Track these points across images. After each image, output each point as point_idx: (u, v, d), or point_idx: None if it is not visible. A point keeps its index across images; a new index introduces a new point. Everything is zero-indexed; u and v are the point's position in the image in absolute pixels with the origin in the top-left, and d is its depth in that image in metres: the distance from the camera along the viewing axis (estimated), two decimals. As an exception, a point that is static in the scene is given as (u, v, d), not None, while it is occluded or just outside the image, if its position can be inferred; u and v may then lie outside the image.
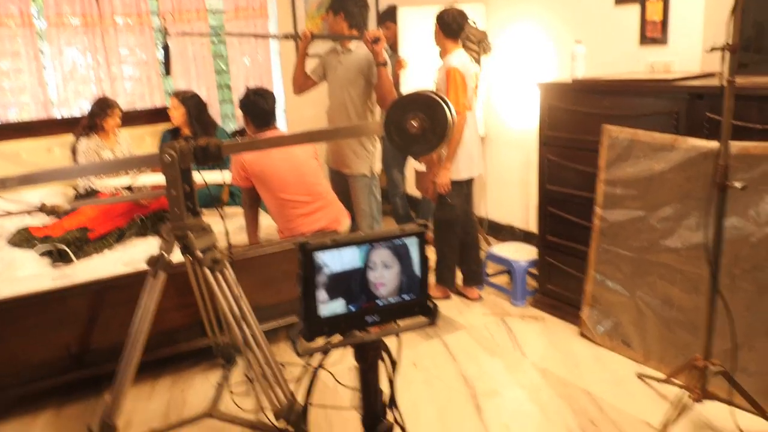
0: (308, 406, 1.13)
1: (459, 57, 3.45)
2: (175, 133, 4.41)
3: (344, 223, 3.45)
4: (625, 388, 2.82)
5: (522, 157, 4.34)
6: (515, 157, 4.38)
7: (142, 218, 3.75)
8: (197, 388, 3.00)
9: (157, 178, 3.76)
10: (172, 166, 2.36)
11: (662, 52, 3.32)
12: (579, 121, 3.20)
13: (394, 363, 1.13)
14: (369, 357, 1.08)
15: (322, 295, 1.02)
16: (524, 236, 4.47)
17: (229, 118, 5.67)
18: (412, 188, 5.17)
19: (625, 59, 3.47)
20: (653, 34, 3.32)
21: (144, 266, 2.88)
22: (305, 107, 5.05)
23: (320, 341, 1.06)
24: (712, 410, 2.51)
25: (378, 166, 3.73)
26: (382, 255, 1.06)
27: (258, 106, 3.23)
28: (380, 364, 1.16)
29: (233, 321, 2.49)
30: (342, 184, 3.75)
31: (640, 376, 2.88)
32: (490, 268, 4.00)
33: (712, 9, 3.09)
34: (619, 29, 3.50)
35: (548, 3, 3.96)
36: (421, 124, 2.19)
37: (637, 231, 2.95)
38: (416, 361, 3.14)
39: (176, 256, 2.50)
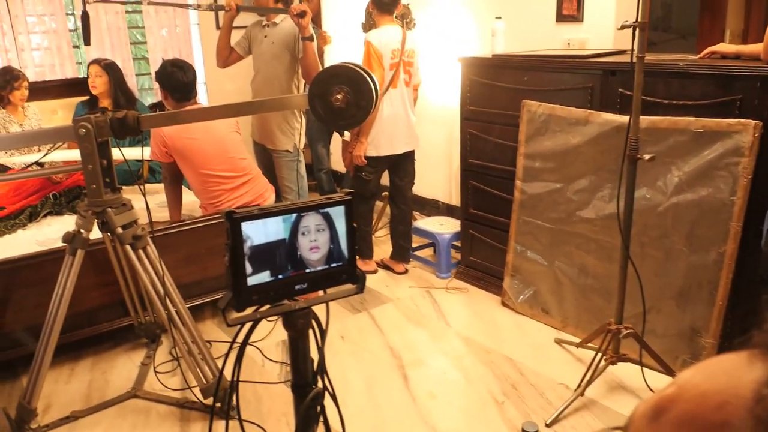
0: (237, 383, 1.13)
1: (379, 32, 3.45)
2: (91, 104, 4.22)
3: (269, 199, 3.42)
4: (544, 353, 2.95)
5: (445, 132, 4.40)
6: (438, 132, 4.44)
7: (56, 195, 3.60)
8: (120, 369, 2.92)
9: (71, 154, 3.61)
10: (87, 139, 2.28)
11: (578, 29, 3.43)
12: (499, 96, 3.28)
13: (322, 331, 1.14)
14: (298, 325, 1.09)
15: (249, 265, 1.02)
16: (448, 210, 4.56)
17: (146, 91, 5.48)
18: (336, 164, 5.17)
19: (543, 36, 3.56)
20: (570, 11, 3.43)
21: (59, 245, 2.79)
22: (227, 81, 4.94)
23: (249, 312, 1.06)
24: (625, 371, 2.66)
25: (302, 142, 3.71)
26: (314, 219, 1.06)
27: (176, 79, 3.14)
28: (310, 333, 1.17)
29: (157, 299, 2.45)
30: (267, 159, 3.71)
31: (558, 342, 3.01)
32: (415, 241, 4.07)
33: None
34: (537, 6, 3.59)
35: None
36: (346, 98, 2.20)
37: (555, 203, 3.07)
38: (344, 334, 3.18)
39: (94, 233, 2.42)
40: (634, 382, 2.64)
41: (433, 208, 4.72)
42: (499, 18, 3.35)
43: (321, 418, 1.19)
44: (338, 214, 1.09)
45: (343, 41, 4.83)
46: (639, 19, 2.27)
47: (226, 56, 3.68)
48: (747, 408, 0.32)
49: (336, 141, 5.02)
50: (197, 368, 2.49)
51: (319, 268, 1.09)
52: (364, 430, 2.46)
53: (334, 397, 1.20)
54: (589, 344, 2.81)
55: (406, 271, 3.90)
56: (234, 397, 1.27)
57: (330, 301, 1.12)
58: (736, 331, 2.54)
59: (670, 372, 2.60)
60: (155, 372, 2.84)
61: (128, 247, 2.42)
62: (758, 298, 2.19)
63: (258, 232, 1.02)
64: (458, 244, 3.84)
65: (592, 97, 2.88)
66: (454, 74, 4.08)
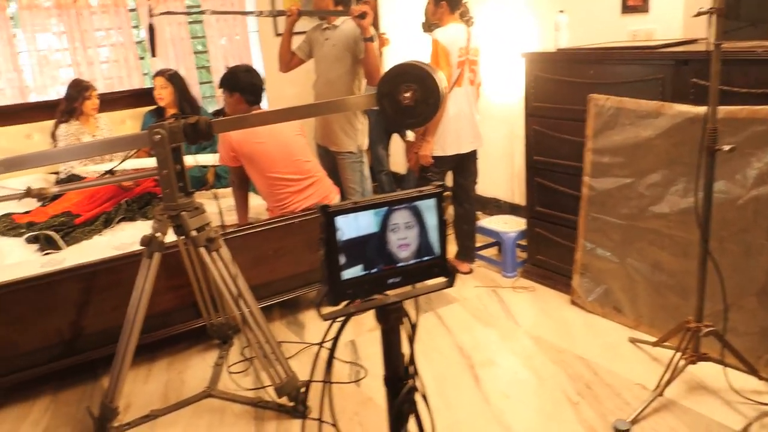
0: (325, 384, 1.14)
1: (446, 30, 3.44)
2: (158, 114, 4.35)
3: (335, 200, 3.45)
4: (618, 353, 2.88)
5: (505, 129, 4.36)
6: (498, 130, 4.40)
7: (128, 202, 3.71)
8: (194, 369, 2.99)
9: (141, 162, 3.72)
10: (162, 145, 2.34)
11: (644, 20, 3.35)
12: (564, 91, 3.22)
13: (413, 326, 1.14)
14: (390, 319, 1.09)
15: (342, 259, 1.02)
16: (510, 209, 4.50)
17: (207, 99, 5.61)
18: (395, 165, 5.17)
19: (607, 28, 3.49)
20: (635, 2, 3.34)
21: (133, 249, 2.87)
22: (287, 86, 5.01)
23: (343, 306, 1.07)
24: (705, 371, 2.57)
25: (365, 143, 3.73)
26: (403, 216, 1.06)
27: (249, 82, 3.20)
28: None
29: (231, 300, 2.49)
30: (330, 161, 3.74)
31: (633, 341, 2.94)
32: (479, 240, 4.04)
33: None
34: (601, -1, 3.52)
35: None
36: (414, 96, 2.20)
37: (626, 198, 2.99)
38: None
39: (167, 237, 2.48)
40: (716, 383, 2.54)
41: (494, 207, 4.67)
42: (562, 11, 3.30)
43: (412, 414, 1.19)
44: (428, 207, 1.08)
45: (402, 43, 4.84)
46: (715, 5, 2.21)
47: (288, 60, 3.74)
48: None
49: (395, 143, 5.03)
50: (271, 368, 2.53)
51: (411, 262, 1.09)
52: (438, 431, 2.44)
53: (423, 393, 1.20)
54: (666, 343, 2.73)
55: (471, 271, 3.87)
56: (325, 396, 1.28)
57: (422, 295, 1.12)
58: (826, 328, 2.43)
59: (753, 372, 2.50)
60: (228, 372, 2.90)
61: (202, 250, 2.47)
62: None
63: (350, 226, 1.02)
64: (523, 242, 3.79)
65: (664, 88, 2.80)
66: (513, 71, 4.04)
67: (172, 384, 2.88)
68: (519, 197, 4.35)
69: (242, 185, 3.41)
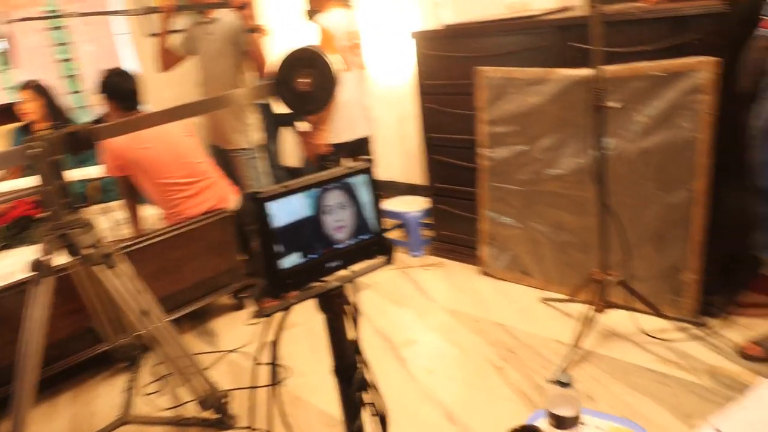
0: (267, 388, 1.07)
1: (330, 16, 3.38)
2: (27, 131, 4.00)
3: (234, 201, 3.32)
4: (533, 314, 2.97)
5: (395, 111, 4.37)
6: (390, 112, 4.40)
7: (4, 228, 3.40)
8: (104, 398, 2.79)
9: (13, 184, 3.41)
10: (40, 159, 2.14)
11: (519, -8, 3.44)
12: (454, 67, 3.26)
13: (356, 310, 1.09)
14: (334, 305, 1.04)
15: (279, 247, 0.96)
16: (408, 189, 4.53)
17: (80, 110, 5.24)
18: (288, 159, 5.07)
19: (485, 2, 3.55)
20: (509, -25, 3.43)
21: (13, 279, 2.63)
22: (167, 87, 4.76)
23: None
24: (615, 318, 2.70)
25: (259, 138, 3.61)
26: (336, 196, 1.01)
27: (121, 87, 3.01)
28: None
29: (137, 317, 2.33)
30: (225, 160, 3.59)
31: (545, 301, 3.04)
32: (384, 224, 4.03)
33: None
34: (476, -27, 3.58)
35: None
36: (311, 81, 2.14)
37: (522, 164, 3.08)
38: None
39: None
40: (626, 328, 2.68)
41: (393, 189, 4.68)
42: (442, -11, 3.33)
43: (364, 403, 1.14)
44: (360, 183, 1.04)
45: (283, 33, 4.73)
46: (590, -30, 2.29)
47: (167, 59, 3.55)
48: None
49: (286, 136, 4.92)
50: (189, 382, 2.39)
51: (349, 243, 1.04)
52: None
53: (372, 378, 1.16)
54: (576, 298, 2.84)
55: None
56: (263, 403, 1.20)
57: (363, 275, 1.07)
58: (716, 265, 2.61)
59: (658, 312, 2.66)
60: (142, 394, 2.73)
61: (98, 268, 2.29)
62: (747, 207, 2.19)
63: (283, 211, 0.96)
64: (427, 221, 3.82)
65: (547, 55, 2.89)
66: (399, 52, 4.05)
67: (80, 417, 2.67)
68: (416, 177, 4.39)
69: (132, 195, 3.21)
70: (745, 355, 2.42)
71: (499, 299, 3.17)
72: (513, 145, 3.09)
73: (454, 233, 3.63)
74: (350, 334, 1.13)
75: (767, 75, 1.71)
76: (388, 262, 1.10)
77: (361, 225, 1.05)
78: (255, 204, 0.92)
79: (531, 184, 3.07)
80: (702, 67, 2.40)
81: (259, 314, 1.01)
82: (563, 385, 1.38)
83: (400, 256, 3.85)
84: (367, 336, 2.99)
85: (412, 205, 3.90)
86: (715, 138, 2.44)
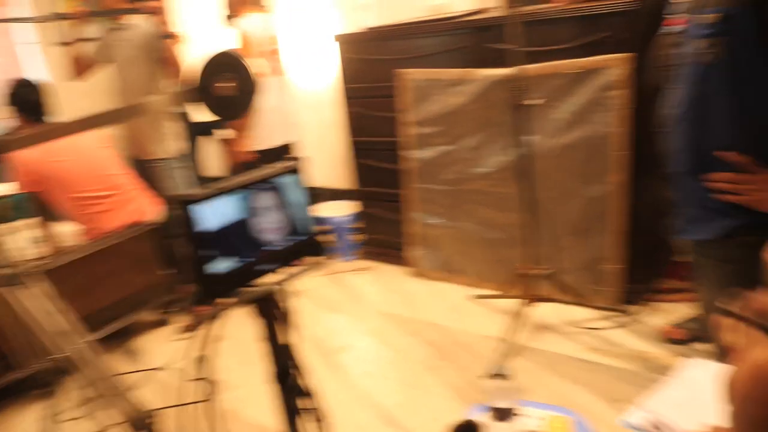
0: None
1: (250, 20, 3.32)
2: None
3: (156, 213, 3.20)
4: (466, 312, 3.00)
5: (321, 116, 4.33)
6: (315, 117, 4.36)
7: None
8: (20, 429, 2.63)
9: None
10: (-57, 175, 2.00)
11: (439, -5, 3.48)
12: (378, 70, 3.26)
13: (288, 314, 1.06)
14: (269, 308, 1.01)
15: (208, 252, 0.92)
16: (336, 195, 4.49)
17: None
18: (209, 169, 4.95)
19: (406, 6, 3.57)
20: (427, -22, 3.47)
21: None
22: (80, 98, 4.55)
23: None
24: (545, 311, 2.76)
25: (179, 147, 3.50)
26: (266, 197, 0.98)
27: (28, 98, 2.86)
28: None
29: (54, 340, 2.20)
30: (145, 171, 3.46)
31: (476, 298, 3.07)
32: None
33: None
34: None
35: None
36: (233, 85, 2.09)
37: (449, 164, 3.11)
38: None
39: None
40: (556, 319, 2.75)
41: (320, 195, 4.63)
42: (363, -9, 3.33)
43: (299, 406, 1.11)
44: (290, 184, 1.01)
45: (199, 39, 4.61)
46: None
47: (79, 67, 3.40)
48: None
49: (205, 146, 4.80)
50: (115, 404, 2.28)
51: (282, 245, 1.01)
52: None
53: (308, 383, 1.13)
54: (506, 293, 2.89)
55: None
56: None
57: (297, 277, 1.04)
58: (637, 254, 2.71)
59: (584, 302, 2.74)
60: (62, 421, 2.58)
61: (7, 289, 2.15)
62: (662, 196, 2.28)
63: (211, 215, 0.92)
64: (357, 225, 3.81)
65: (469, 55, 2.94)
66: (320, 56, 4.02)
67: (-2, 447, 2.51)
68: (344, 182, 4.36)
69: (46, 211, 3.04)
70: (667, 338, 2.52)
71: (432, 299, 3.18)
72: (438, 145, 3.12)
73: (384, 236, 3.63)
74: (283, 338, 1.09)
75: (672, 69, 1.79)
76: (320, 262, 1.08)
77: (292, 226, 1.02)
78: (181, 208, 0.88)
79: (458, 184, 3.11)
80: (615, 64, 2.49)
81: (192, 326, 0.97)
82: (500, 377, 1.39)
83: (331, 262, 3.82)
84: (301, 343, 2.94)
85: (341, 210, 3.88)
86: (630, 131, 2.54)
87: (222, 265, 0.93)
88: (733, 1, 1.46)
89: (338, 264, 3.76)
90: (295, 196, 1.02)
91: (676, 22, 2.16)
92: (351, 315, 3.17)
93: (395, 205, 3.44)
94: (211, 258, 0.92)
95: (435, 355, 2.70)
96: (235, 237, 0.95)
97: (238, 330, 2.91)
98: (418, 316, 3.03)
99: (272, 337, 1.05)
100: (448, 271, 3.29)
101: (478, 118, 2.94)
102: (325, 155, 4.48)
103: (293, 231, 1.02)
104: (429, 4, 3.37)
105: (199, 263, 0.90)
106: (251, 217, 0.97)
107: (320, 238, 1.06)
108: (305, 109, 4.30)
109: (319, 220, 3.90)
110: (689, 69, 1.62)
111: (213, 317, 0.97)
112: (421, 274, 3.39)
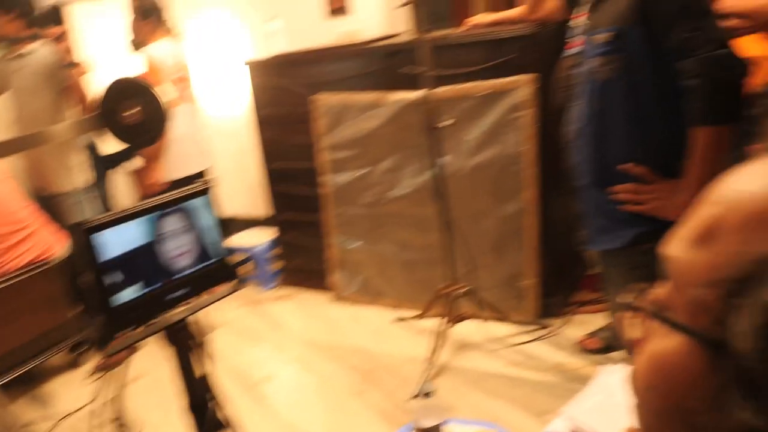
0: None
1: (157, 47, 3.24)
2: None
3: (62, 248, 3.04)
4: (389, 335, 2.99)
5: (234, 143, 4.27)
6: (228, 145, 4.29)
7: None
8: None
9: None
10: None
11: (349, 21, 3.52)
12: (291, 95, 3.25)
13: (203, 343, 1.02)
14: (179, 338, 0.97)
15: (113, 280, 0.88)
16: (253, 223, 4.42)
17: None
18: (118, 202, 4.77)
19: (317, 32, 3.60)
20: (338, 4, 3.51)
21: None
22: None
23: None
24: (466, 329, 2.79)
25: (86, 180, 3.36)
26: (174, 221, 0.94)
27: None
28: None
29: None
30: (50, 205, 3.29)
31: (399, 320, 3.08)
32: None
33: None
34: (306, 4, 3.61)
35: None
36: (140, 112, 2.02)
37: (366, 188, 3.12)
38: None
39: None
40: (477, 337, 2.78)
41: (237, 225, 4.54)
42: (273, 18, 3.32)
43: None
44: (200, 206, 0.98)
45: (106, 67, 4.46)
46: (413, -3, 2.40)
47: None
48: None
49: (116, 179, 4.63)
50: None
51: (192, 271, 0.97)
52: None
53: (227, 415, 1.09)
54: (428, 314, 2.90)
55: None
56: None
57: (211, 304, 1.01)
58: (551, 269, 2.79)
59: (504, 318, 2.79)
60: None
61: None
62: (572, 210, 2.36)
63: (115, 241, 0.88)
64: (275, 252, 3.75)
65: (381, 79, 2.98)
66: (233, 83, 3.98)
67: None
68: (261, 209, 4.29)
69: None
70: (584, 348, 2.60)
71: (354, 324, 3.16)
72: (355, 169, 3.13)
73: (303, 262, 3.58)
74: (199, 369, 1.05)
75: (573, 89, 1.88)
76: (237, 288, 1.04)
77: (203, 250, 0.99)
78: (81, 236, 0.84)
79: (375, 207, 3.12)
80: (521, 85, 2.58)
81: (105, 366, 0.91)
82: (427, 396, 1.39)
83: (251, 291, 3.73)
84: (222, 377, 2.84)
85: (259, 238, 3.81)
86: (538, 149, 2.63)
87: (127, 294, 0.89)
88: (623, 21, 1.55)
89: (258, 293, 3.69)
90: (205, 219, 0.99)
91: (576, 44, 2.27)
92: (273, 344, 3.11)
93: (314, 231, 3.41)
94: (116, 287, 0.87)
95: (360, 379, 2.67)
96: (141, 264, 0.91)
97: (157, 366, 2.80)
98: (342, 342, 3.00)
99: (186, 369, 1.00)
100: (369, 294, 3.28)
101: (392, 140, 2.97)
102: (241, 183, 4.41)
103: (204, 255, 0.99)
104: (339, 30, 3.41)
105: (105, 294, 0.85)
106: (159, 243, 0.93)
107: (235, 263, 1.03)
108: (219, 136, 4.23)
109: (237, 249, 3.82)
110: (587, 86, 1.70)
111: (127, 355, 0.92)
112: (342, 299, 3.37)
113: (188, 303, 0.99)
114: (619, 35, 1.58)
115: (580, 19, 2.13)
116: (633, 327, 0.45)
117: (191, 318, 0.98)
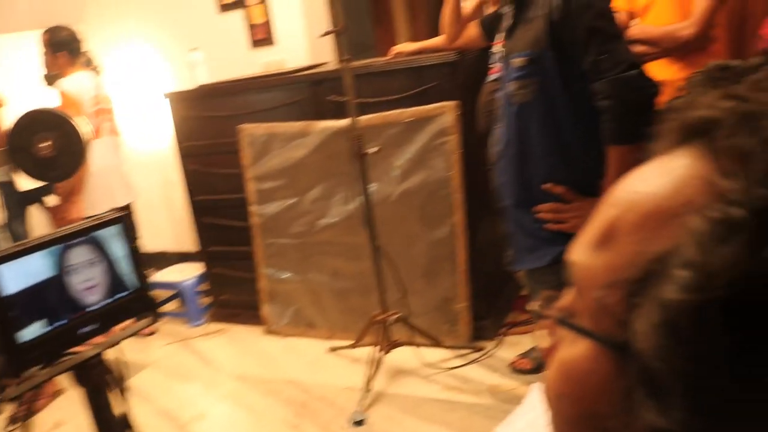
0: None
1: (72, 80, 3.13)
2: None
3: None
4: (323, 366, 2.95)
5: (159, 177, 4.17)
6: (152, 178, 4.18)
7: None
8: None
9: None
10: None
11: (273, 52, 3.52)
12: (214, 126, 3.20)
13: (120, 380, 0.97)
14: (92, 376, 0.91)
15: (15, 317, 0.82)
16: (181, 258, 4.30)
17: None
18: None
19: (240, 63, 3.57)
20: (261, 35, 3.50)
21: None
22: None
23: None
24: (400, 356, 2.77)
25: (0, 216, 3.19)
26: (82, 253, 0.89)
27: None
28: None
29: None
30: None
31: (332, 350, 3.03)
32: (157, 297, 3.75)
33: (309, 7, 3.39)
34: (228, 35, 3.59)
35: (153, 17, 3.85)
36: (54, 144, 1.95)
37: (295, 218, 3.09)
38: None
39: None
40: (412, 363, 2.77)
41: (163, 261, 4.41)
42: (195, 49, 3.28)
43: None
44: (111, 236, 0.94)
45: (19, 102, 4.29)
46: (336, 27, 2.43)
47: None
48: (705, 182, 0.33)
49: (36, 215, 4.43)
50: None
51: (104, 304, 0.93)
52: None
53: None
54: (362, 342, 2.88)
55: (154, 332, 3.57)
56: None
57: (126, 338, 0.96)
58: (482, 291, 2.82)
59: (438, 343, 2.79)
60: None
61: None
62: (499, 232, 2.40)
63: (16, 276, 0.83)
64: (204, 287, 3.65)
65: (306, 108, 2.97)
66: (156, 115, 3.90)
67: None
68: (187, 244, 4.19)
69: None
70: (516, 369, 2.63)
71: (287, 356, 3.10)
72: (283, 199, 3.09)
73: (233, 296, 3.50)
74: (117, 407, 0.99)
75: (496, 113, 1.93)
76: (155, 319, 1.00)
77: (116, 282, 0.94)
78: (-20, 270, 0.78)
79: (305, 236, 3.09)
80: (444, 111, 2.63)
81: (21, 415, 0.85)
82: (358, 423, 1.36)
83: (179, 328, 3.61)
84: (150, 422, 2.72)
85: (186, 273, 3.71)
86: (464, 174, 2.67)
87: (32, 331, 0.84)
88: (537, 46, 1.61)
89: (187, 329, 3.57)
90: (118, 249, 0.94)
91: (497, 70, 2.34)
92: (204, 381, 3.00)
93: (244, 264, 3.34)
94: (20, 323, 0.82)
95: (295, 412, 2.61)
96: (48, 298, 0.86)
97: (80, 412, 2.66)
98: (275, 375, 2.93)
99: (101, 408, 0.95)
100: (302, 325, 3.23)
101: (320, 169, 2.96)
102: (168, 217, 4.30)
103: (118, 287, 0.94)
104: (264, 61, 3.39)
105: (7, 330, 0.80)
106: (66, 275, 0.88)
107: (153, 295, 0.99)
108: (144, 169, 4.12)
109: (164, 286, 3.70)
110: (506, 109, 1.75)
111: (28, 390, 0.86)
112: (275, 331, 3.30)
113: (104, 337, 0.94)
114: (534, 59, 1.63)
115: (499, 46, 2.19)
116: (543, 337, 0.45)
117: (108, 353, 0.93)
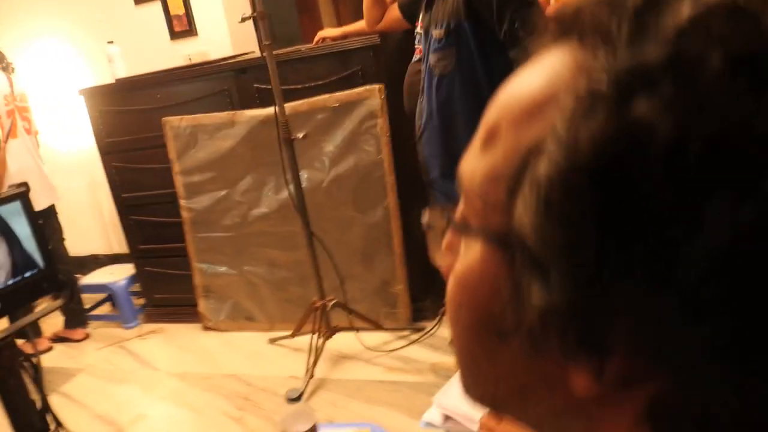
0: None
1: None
2: None
3: None
4: (263, 358, 2.91)
5: (84, 177, 4.01)
6: (76, 179, 4.02)
7: None
8: None
9: None
10: None
11: (195, 43, 3.43)
12: (137, 121, 3.11)
13: (35, 365, 0.93)
14: (3, 359, 0.87)
15: None
16: (112, 260, 4.16)
17: None
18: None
19: (161, 56, 3.47)
20: (181, 27, 3.41)
21: None
22: None
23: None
24: (342, 341, 2.76)
25: None
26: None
27: None
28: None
29: None
30: None
31: (272, 341, 3.00)
32: (88, 300, 3.63)
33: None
34: (147, 27, 3.48)
35: (68, 12, 3.69)
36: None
37: (226, 210, 3.04)
38: None
39: None
40: (353, 348, 2.77)
41: (94, 264, 4.26)
42: (111, 42, 3.18)
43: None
44: (13, 213, 0.89)
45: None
46: (256, 12, 2.39)
47: None
48: (575, 66, 0.33)
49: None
50: None
51: (8, 284, 0.88)
52: None
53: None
54: (301, 331, 2.85)
55: (87, 336, 3.45)
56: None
57: (38, 319, 0.91)
58: (419, 272, 2.84)
59: (378, 327, 2.80)
60: None
61: None
62: (427, 199, 2.42)
63: None
64: (137, 287, 3.54)
65: (232, 98, 2.92)
66: (76, 112, 3.75)
67: None
68: (119, 245, 4.06)
69: None
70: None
71: (227, 351, 3.05)
72: (212, 191, 3.03)
73: (168, 294, 3.42)
74: (35, 396, 0.95)
75: (421, 92, 1.93)
76: (69, 298, 0.96)
77: (22, 261, 0.90)
78: None
79: (238, 228, 3.04)
80: (370, 95, 2.63)
81: None
82: (294, 401, 1.35)
83: (113, 331, 3.50)
84: (86, 427, 2.63)
85: (118, 274, 3.59)
86: (395, 156, 2.68)
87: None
88: (454, 16, 1.62)
89: (121, 332, 3.46)
90: (22, 226, 0.90)
91: (421, 50, 2.35)
92: (141, 383, 2.92)
93: (177, 260, 3.26)
94: None
95: (237, 405, 2.57)
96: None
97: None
98: (215, 371, 2.88)
99: (10, 392, 0.90)
100: (241, 319, 3.18)
101: (249, 159, 2.91)
102: (94, 219, 4.15)
103: (24, 267, 0.90)
104: (184, 53, 3.31)
105: None
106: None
107: (60, 273, 0.95)
108: (66, 170, 3.96)
109: (95, 288, 3.58)
110: (428, 82, 1.76)
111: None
112: (213, 327, 3.24)
113: (11, 318, 0.90)
114: (452, 30, 1.64)
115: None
116: (438, 254, 0.45)
117: (17, 336, 0.89)
